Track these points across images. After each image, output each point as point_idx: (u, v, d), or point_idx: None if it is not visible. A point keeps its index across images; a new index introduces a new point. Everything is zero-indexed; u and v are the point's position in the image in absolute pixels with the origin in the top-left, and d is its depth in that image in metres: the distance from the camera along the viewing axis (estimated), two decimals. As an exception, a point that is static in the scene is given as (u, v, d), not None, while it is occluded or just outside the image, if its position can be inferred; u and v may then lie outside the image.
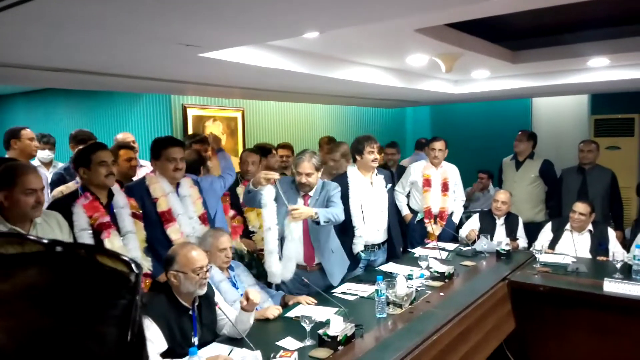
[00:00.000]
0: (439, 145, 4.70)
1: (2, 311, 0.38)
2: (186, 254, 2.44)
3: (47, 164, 4.54)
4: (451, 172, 4.79)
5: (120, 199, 2.85)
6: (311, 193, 3.33)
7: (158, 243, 2.98)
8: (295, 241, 3.21)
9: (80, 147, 3.18)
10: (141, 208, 2.95)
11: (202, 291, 2.46)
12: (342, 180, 3.86)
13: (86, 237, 2.63)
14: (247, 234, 4.00)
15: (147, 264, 2.87)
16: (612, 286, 3.25)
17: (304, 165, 3.23)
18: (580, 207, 4.15)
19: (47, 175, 4.20)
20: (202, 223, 3.18)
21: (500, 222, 4.57)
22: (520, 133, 5.33)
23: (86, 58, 2.64)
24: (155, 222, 3.01)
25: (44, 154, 4.52)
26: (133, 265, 0.45)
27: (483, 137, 7.43)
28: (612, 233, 4.20)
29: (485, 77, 4.67)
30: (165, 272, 2.48)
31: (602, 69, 4.09)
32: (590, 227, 4.19)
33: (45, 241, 0.44)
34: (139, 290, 0.45)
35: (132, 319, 0.43)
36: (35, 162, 4.52)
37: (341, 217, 3.34)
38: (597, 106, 6.84)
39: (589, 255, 4.10)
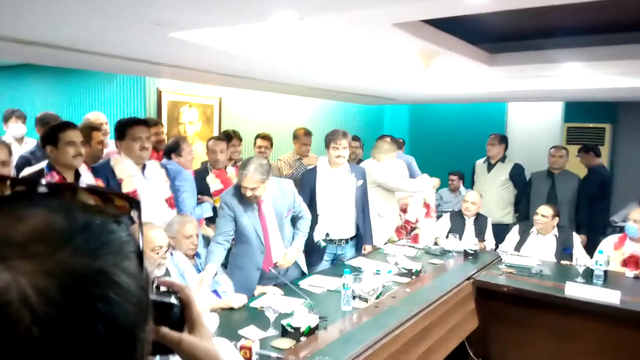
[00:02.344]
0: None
1: (24, 254, 0.36)
2: (145, 232, 2.40)
3: (19, 140, 4.42)
4: (402, 165, 4.77)
5: (87, 179, 2.80)
6: (263, 197, 3.14)
7: None
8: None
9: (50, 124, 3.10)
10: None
11: (159, 272, 2.43)
12: (313, 171, 3.90)
13: None
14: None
15: None
16: (574, 289, 3.32)
17: (247, 181, 2.97)
18: (543, 209, 4.25)
19: (19, 150, 4.10)
20: (169, 207, 3.13)
21: (469, 223, 4.64)
22: (492, 137, 5.39)
23: (51, 31, 2.55)
24: None
25: (16, 129, 4.40)
26: (129, 203, 0.47)
27: (458, 138, 7.51)
28: (577, 238, 4.30)
29: (462, 79, 4.70)
30: None
31: (577, 76, 4.16)
32: (555, 231, 4.28)
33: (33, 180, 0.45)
34: (140, 223, 0.46)
35: (139, 252, 0.43)
36: (7, 137, 4.40)
37: (309, 218, 3.44)
38: (570, 114, 6.98)
39: (553, 259, 4.19)
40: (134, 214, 0.47)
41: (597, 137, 6.72)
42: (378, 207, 4.33)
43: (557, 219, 4.25)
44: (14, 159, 4.07)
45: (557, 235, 4.28)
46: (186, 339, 0.69)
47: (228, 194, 3.18)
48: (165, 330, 0.68)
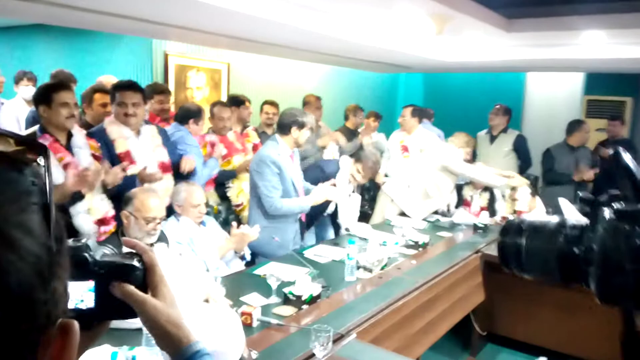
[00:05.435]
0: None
1: None
2: (143, 199, 2.41)
3: (30, 101, 4.42)
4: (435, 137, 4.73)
5: (79, 138, 2.74)
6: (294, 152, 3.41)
7: (125, 189, 2.89)
8: None
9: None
10: (104, 153, 2.85)
11: (150, 240, 2.42)
12: None
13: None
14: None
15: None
16: (584, 265, 3.24)
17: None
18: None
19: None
20: (164, 172, 3.08)
21: (476, 196, 4.58)
22: (497, 107, 5.31)
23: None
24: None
25: (26, 91, 4.39)
26: (36, 149, 0.41)
27: (474, 110, 7.30)
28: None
29: (478, 45, 4.54)
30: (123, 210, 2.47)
31: (598, 45, 4.00)
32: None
33: None
34: (48, 171, 0.40)
35: (44, 204, 0.38)
36: (17, 99, 4.41)
37: None
38: (591, 86, 6.76)
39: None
40: (41, 161, 0.40)
41: (617, 111, 6.51)
42: (429, 187, 4.32)
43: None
44: (23, 120, 4.08)
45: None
46: (150, 300, 0.66)
47: (270, 150, 3.25)
48: (130, 288, 0.65)
